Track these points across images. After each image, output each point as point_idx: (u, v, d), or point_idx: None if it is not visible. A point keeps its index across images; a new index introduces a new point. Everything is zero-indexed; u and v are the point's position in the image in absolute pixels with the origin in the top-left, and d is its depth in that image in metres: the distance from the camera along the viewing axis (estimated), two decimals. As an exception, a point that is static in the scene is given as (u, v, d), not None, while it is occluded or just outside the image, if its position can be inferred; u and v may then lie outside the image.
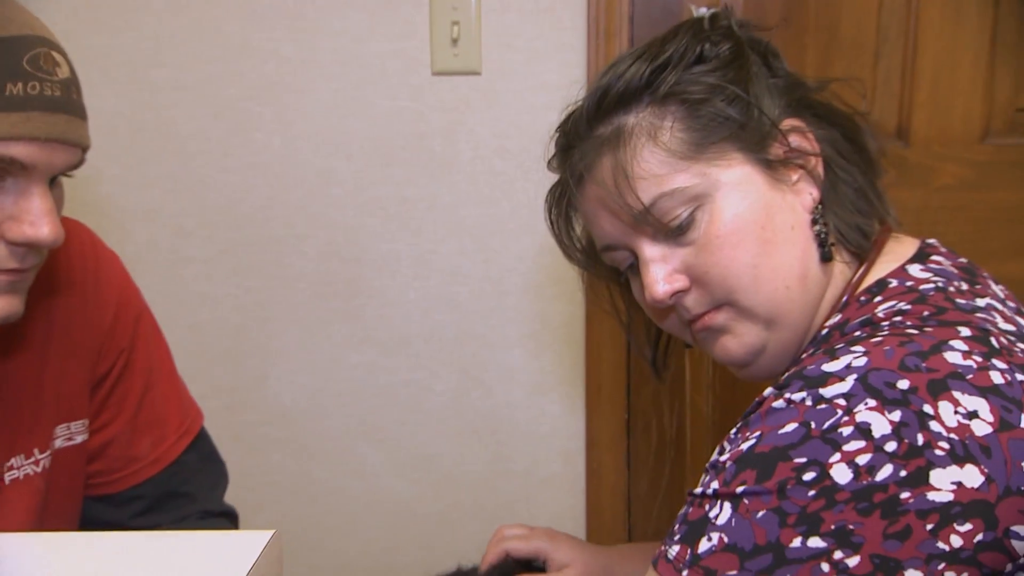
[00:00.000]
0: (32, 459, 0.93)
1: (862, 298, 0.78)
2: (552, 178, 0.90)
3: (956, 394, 0.64)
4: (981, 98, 1.53)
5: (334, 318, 1.65)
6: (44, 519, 0.95)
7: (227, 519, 1.09)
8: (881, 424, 0.63)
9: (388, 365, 1.66)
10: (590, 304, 1.60)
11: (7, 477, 0.91)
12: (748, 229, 0.78)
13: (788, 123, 0.81)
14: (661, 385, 1.63)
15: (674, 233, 0.79)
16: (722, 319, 0.81)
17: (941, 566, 0.62)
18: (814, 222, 0.80)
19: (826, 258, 0.80)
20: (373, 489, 1.70)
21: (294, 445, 1.70)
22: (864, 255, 0.82)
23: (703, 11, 0.84)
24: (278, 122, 1.60)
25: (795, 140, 0.80)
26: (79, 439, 0.99)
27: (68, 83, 0.80)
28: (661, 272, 0.81)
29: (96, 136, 0.85)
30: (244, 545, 0.71)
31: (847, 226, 0.81)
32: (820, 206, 0.81)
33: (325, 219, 1.62)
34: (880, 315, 0.74)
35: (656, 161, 0.78)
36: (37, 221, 0.79)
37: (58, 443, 0.96)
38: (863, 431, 0.63)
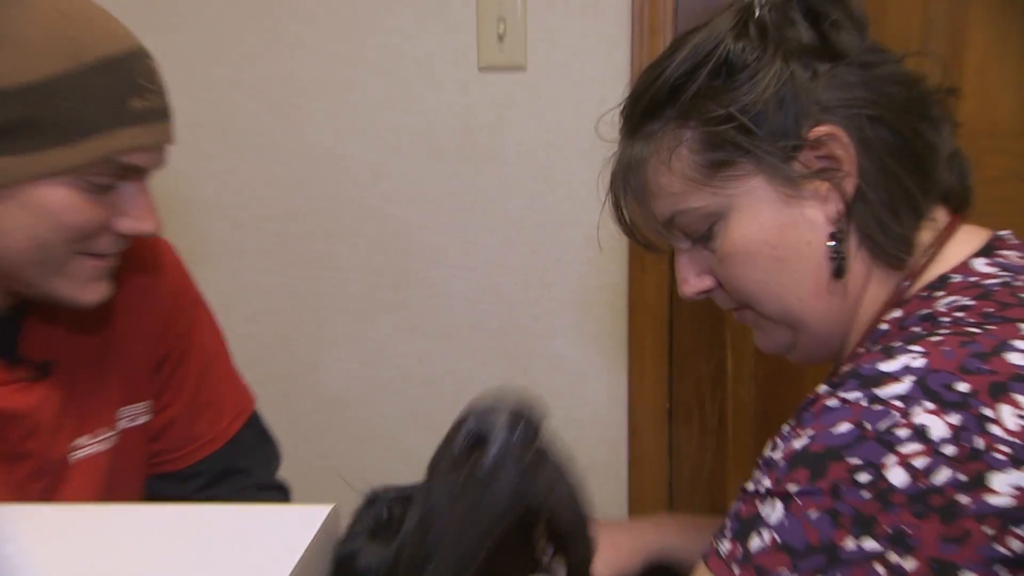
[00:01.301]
0: (98, 439, 0.98)
1: (923, 293, 0.75)
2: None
3: (1017, 397, 0.63)
4: (1029, 90, 1.52)
5: (383, 308, 1.69)
6: (110, 496, 0.99)
7: (280, 492, 1.13)
8: (939, 427, 0.62)
9: (435, 354, 1.69)
10: (633, 295, 1.62)
11: (75, 456, 0.96)
12: (757, 249, 0.78)
13: (823, 130, 0.75)
14: (702, 377, 1.64)
15: (699, 240, 0.81)
16: (750, 318, 0.84)
17: (1000, 569, 0.61)
18: (832, 237, 0.77)
19: (838, 275, 0.77)
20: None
21: (345, 432, 1.73)
22: (903, 266, 0.78)
23: None
24: (329, 118, 1.63)
25: (827, 150, 0.76)
26: (142, 420, 1.03)
27: (165, 90, 0.88)
28: (689, 272, 0.83)
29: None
30: (304, 519, 0.72)
31: (875, 244, 0.77)
32: (842, 220, 0.76)
33: (374, 212, 1.65)
34: (941, 309, 0.72)
35: (670, 181, 0.80)
36: (144, 216, 0.88)
37: (122, 423, 1.01)
38: (920, 433, 0.62)
